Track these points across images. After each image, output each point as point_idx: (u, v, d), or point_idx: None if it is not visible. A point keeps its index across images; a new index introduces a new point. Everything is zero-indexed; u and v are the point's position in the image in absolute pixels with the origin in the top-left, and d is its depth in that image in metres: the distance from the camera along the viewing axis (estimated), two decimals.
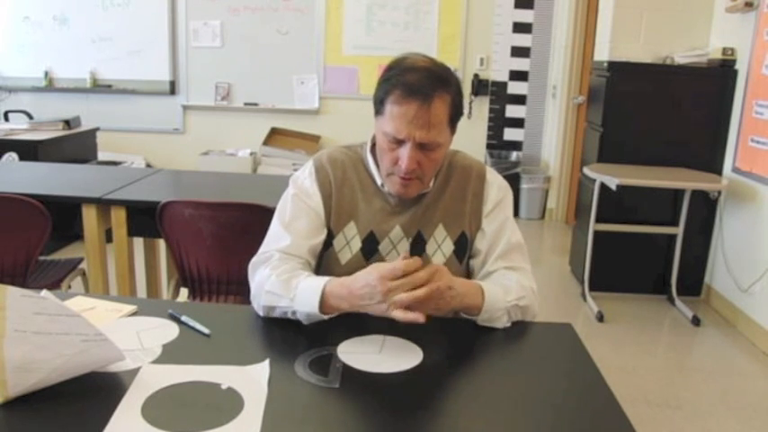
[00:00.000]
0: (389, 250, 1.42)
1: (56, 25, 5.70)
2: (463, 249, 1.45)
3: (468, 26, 5.53)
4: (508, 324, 1.33)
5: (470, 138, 5.62)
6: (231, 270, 2.19)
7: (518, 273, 1.41)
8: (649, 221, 3.76)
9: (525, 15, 5.52)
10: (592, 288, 3.72)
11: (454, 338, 1.28)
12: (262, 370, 1.10)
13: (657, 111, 3.70)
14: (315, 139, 5.74)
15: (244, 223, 2.11)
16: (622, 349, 3.15)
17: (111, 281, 2.66)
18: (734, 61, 3.59)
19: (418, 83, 1.27)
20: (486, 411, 1.02)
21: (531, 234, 5.18)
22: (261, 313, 1.33)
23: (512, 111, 5.70)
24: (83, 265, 2.65)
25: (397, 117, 1.29)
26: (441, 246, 1.44)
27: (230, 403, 1.00)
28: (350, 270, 1.34)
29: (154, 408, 0.98)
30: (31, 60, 5.76)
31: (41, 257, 2.58)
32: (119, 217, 2.46)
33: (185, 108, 5.82)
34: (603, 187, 3.51)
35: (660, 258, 3.85)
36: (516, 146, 5.74)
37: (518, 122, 5.72)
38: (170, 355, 1.16)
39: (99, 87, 5.75)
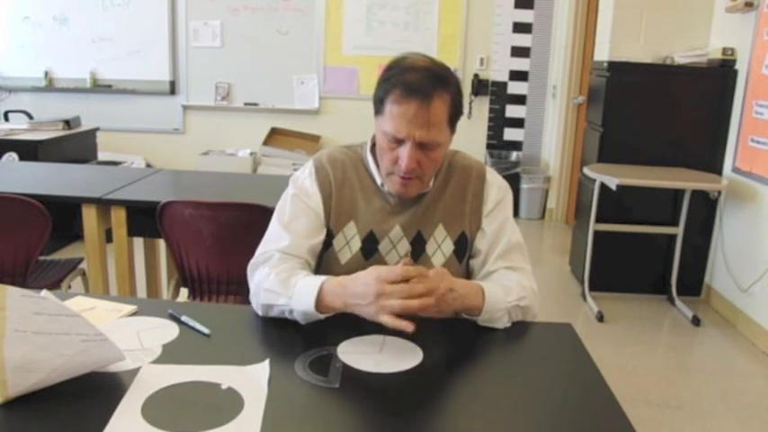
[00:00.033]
0: (389, 250, 1.42)
1: (56, 25, 5.70)
2: (463, 249, 1.45)
3: (468, 26, 5.53)
4: (508, 324, 1.33)
5: (470, 138, 5.62)
6: (231, 270, 2.19)
7: (518, 273, 1.41)
8: (649, 221, 3.76)
9: (525, 15, 5.52)
10: (592, 288, 3.72)
11: (454, 338, 1.28)
12: (262, 370, 1.10)
13: (657, 111, 3.70)
14: (315, 139, 5.74)
15: (244, 223, 2.11)
16: (622, 349, 3.15)
17: (111, 281, 2.66)
18: (734, 61, 3.59)
19: (418, 82, 1.27)
20: (486, 411, 1.02)
21: (531, 234, 5.18)
22: (259, 312, 1.33)
23: (512, 111, 5.71)
24: (83, 265, 2.65)
25: (396, 116, 1.29)
26: (441, 246, 1.44)
27: (230, 403, 0.99)
28: (350, 270, 1.34)
29: (154, 408, 0.98)
30: (31, 60, 5.76)
31: (41, 257, 2.58)
32: (119, 217, 2.46)
33: (185, 108, 5.82)
34: (603, 187, 3.51)
35: (660, 258, 3.85)
36: (516, 146, 5.74)
37: (518, 122, 5.72)
38: (170, 355, 1.16)
39: (99, 87, 5.75)
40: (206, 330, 1.25)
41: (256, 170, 5.55)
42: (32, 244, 2.30)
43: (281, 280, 1.29)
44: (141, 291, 2.99)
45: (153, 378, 1.06)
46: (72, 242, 4.19)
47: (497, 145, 5.74)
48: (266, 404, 1.00)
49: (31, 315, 0.97)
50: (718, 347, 3.26)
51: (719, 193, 3.68)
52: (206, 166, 5.38)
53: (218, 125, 5.83)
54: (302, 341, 1.23)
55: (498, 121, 5.72)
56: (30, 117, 5.10)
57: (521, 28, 5.54)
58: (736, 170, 3.55)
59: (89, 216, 2.47)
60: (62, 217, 2.48)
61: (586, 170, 3.63)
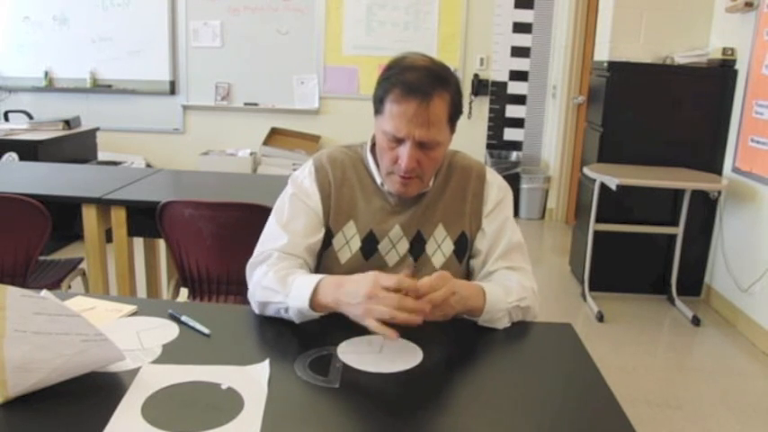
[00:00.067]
0: (389, 249, 1.42)
1: (56, 25, 5.70)
2: (463, 249, 1.45)
3: (468, 26, 5.53)
4: (509, 324, 1.33)
5: (470, 138, 5.62)
6: (231, 270, 2.19)
7: (519, 273, 1.41)
8: (649, 221, 3.76)
9: (525, 15, 5.52)
10: (592, 288, 3.72)
11: (454, 338, 1.28)
12: (262, 370, 1.10)
13: (657, 111, 3.70)
14: (315, 139, 5.74)
15: (244, 223, 2.11)
16: (622, 349, 3.15)
17: (111, 281, 2.66)
18: (734, 61, 3.59)
19: (417, 81, 1.27)
20: (486, 411, 1.02)
21: (531, 234, 5.18)
22: (256, 310, 1.33)
23: (512, 111, 5.71)
24: (83, 265, 2.65)
25: (396, 116, 1.29)
26: (440, 245, 1.44)
27: (230, 403, 0.99)
28: (349, 269, 1.34)
29: (154, 408, 0.98)
30: (31, 60, 5.76)
31: (41, 257, 2.58)
32: (119, 217, 2.46)
33: (185, 108, 5.82)
34: (603, 187, 3.51)
35: (660, 258, 3.85)
36: (516, 146, 5.74)
37: (518, 122, 5.72)
38: (170, 355, 1.16)
39: (99, 87, 5.75)
40: (206, 330, 1.25)
41: (256, 170, 5.55)
42: (32, 244, 2.30)
43: (279, 278, 1.29)
44: (141, 291, 2.99)
45: (153, 378, 1.06)
46: (72, 242, 4.19)
47: (497, 145, 5.75)
48: (266, 404, 1.00)
49: (31, 315, 0.97)
50: (718, 347, 3.26)
51: (719, 193, 3.69)
52: (206, 166, 5.38)
53: (218, 125, 5.83)
54: (302, 341, 1.23)
55: (498, 121, 5.72)
56: (30, 117, 5.10)
57: (521, 28, 5.54)
58: (736, 170, 3.55)
59: (89, 216, 2.47)
60: (62, 217, 2.48)
61: (586, 170, 3.63)
